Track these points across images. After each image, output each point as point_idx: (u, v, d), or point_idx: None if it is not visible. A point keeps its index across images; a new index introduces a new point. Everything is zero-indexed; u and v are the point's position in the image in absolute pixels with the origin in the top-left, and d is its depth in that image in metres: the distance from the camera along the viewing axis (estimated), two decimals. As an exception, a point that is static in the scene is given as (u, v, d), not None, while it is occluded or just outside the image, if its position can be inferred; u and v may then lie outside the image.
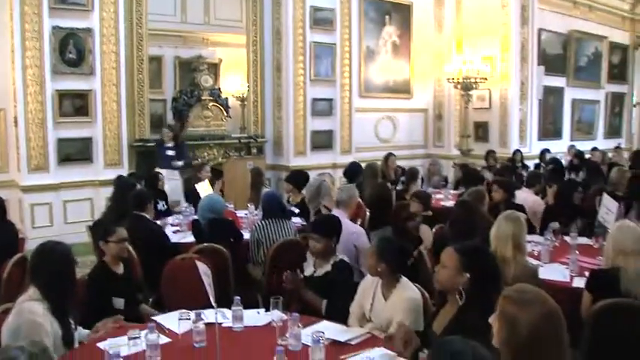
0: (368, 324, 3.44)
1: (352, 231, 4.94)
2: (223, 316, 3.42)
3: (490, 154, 10.79)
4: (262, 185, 7.34)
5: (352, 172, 8.22)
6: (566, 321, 3.81)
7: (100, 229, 4.33)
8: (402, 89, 12.17)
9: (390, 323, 3.31)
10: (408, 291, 3.41)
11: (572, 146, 12.64)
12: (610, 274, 3.66)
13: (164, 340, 3.17)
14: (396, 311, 3.31)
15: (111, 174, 7.61)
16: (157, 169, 8.31)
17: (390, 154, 9.70)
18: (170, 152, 8.59)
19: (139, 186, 6.45)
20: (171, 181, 8.43)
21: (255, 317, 3.52)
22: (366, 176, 7.35)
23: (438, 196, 8.36)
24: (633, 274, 3.55)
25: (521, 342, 2.04)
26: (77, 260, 3.27)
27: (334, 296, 3.74)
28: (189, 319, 3.24)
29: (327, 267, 3.94)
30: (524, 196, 6.56)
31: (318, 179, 6.21)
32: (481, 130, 12.30)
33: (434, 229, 5.52)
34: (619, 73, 15.40)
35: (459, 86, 11.23)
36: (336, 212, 5.11)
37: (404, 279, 3.47)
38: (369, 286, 3.59)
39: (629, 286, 3.54)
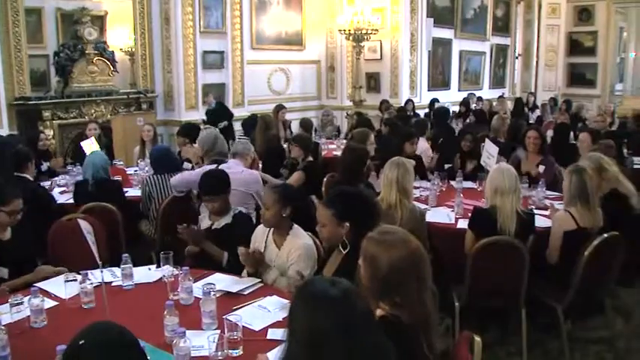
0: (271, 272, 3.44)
1: (255, 180, 4.96)
2: (114, 275, 3.37)
3: (384, 103, 11.05)
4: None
5: (250, 125, 8.17)
6: (451, 258, 4.10)
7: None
8: (295, 41, 12.07)
9: (285, 271, 3.35)
10: (302, 238, 3.44)
11: (472, 94, 13.22)
12: (488, 213, 3.91)
13: (50, 304, 3.05)
14: (291, 258, 3.34)
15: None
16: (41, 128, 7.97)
17: (279, 106, 9.69)
18: None
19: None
20: None
21: (146, 274, 3.46)
22: (259, 129, 7.31)
23: (331, 146, 8.63)
24: (508, 212, 3.83)
25: (382, 280, 2.13)
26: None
27: (236, 248, 3.63)
28: (76, 280, 3.10)
29: (227, 219, 3.89)
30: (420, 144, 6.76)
31: (212, 131, 6.11)
32: (373, 81, 12.44)
33: (325, 178, 5.60)
34: (503, 26, 15.95)
35: (350, 38, 11.29)
36: (232, 162, 5.05)
37: (296, 226, 3.50)
38: (260, 236, 3.60)
39: (504, 223, 3.82)
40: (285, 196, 3.45)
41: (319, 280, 1.79)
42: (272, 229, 3.54)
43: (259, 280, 3.30)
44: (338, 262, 3.00)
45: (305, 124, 8.42)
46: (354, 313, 1.62)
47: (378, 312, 2.13)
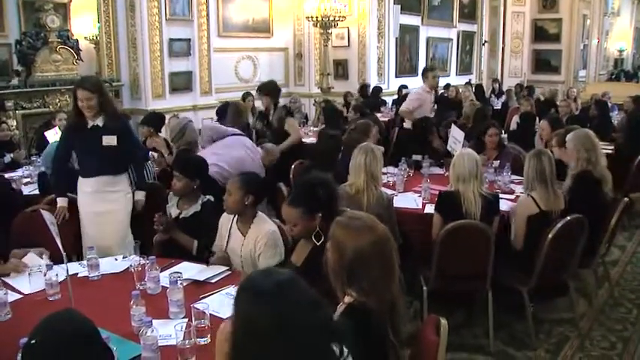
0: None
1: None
2: (81, 265, 3.35)
3: (348, 94, 11.18)
4: None
5: (224, 111, 8.11)
6: (418, 242, 4.12)
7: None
8: (262, 28, 11.92)
9: (252, 258, 3.35)
10: (267, 224, 3.44)
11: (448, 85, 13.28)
12: (453, 196, 3.99)
13: (14, 296, 3.00)
14: (256, 246, 3.34)
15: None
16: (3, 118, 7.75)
17: (247, 94, 9.65)
18: None
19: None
20: None
21: (112, 264, 3.43)
22: (231, 115, 7.25)
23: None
24: (471, 196, 3.91)
25: (347, 265, 2.12)
26: None
27: (204, 236, 3.70)
28: (40, 272, 3.08)
29: (196, 207, 3.89)
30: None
31: (182, 119, 6.02)
32: (341, 68, 12.44)
33: (293, 165, 5.60)
34: (469, 13, 16.05)
35: (318, 25, 11.22)
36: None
37: (260, 213, 3.50)
38: (225, 223, 3.60)
39: (468, 207, 3.91)
40: (248, 184, 3.43)
41: (255, 273, 1.70)
42: (236, 216, 3.52)
43: (227, 268, 3.30)
44: (308, 251, 2.97)
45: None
46: (288, 306, 1.52)
47: (346, 299, 2.13)
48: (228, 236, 3.53)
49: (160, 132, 6.58)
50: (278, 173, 5.52)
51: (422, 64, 14.02)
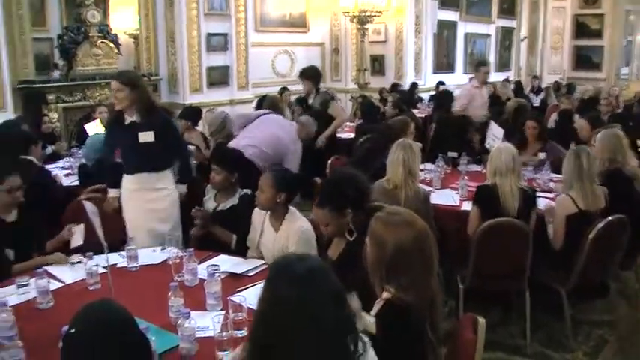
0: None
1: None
2: (121, 256, 3.38)
3: (383, 90, 11.14)
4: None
5: (260, 105, 8.15)
6: (455, 239, 4.08)
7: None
8: (299, 23, 11.95)
9: (282, 252, 3.29)
10: (299, 221, 3.40)
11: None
12: (490, 189, 3.96)
13: (56, 285, 3.06)
14: (288, 242, 3.32)
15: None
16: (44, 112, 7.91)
17: (284, 88, 9.68)
18: None
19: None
20: None
21: (151, 255, 3.47)
22: (266, 107, 7.29)
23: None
24: (508, 190, 3.88)
25: (387, 260, 2.12)
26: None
27: (243, 230, 3.69)
28: (81, 262, 3.16)
29: (234, 200, 3.91)
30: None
31: (220, 112, 6.07)
32: (377, 64, 12.34)
33: (330, 161, 5.60)
34: (508, 9, 15.75)
35: (354, 20, 11.15)
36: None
37: (292, 210, 3.47)
38: (257, 218, 3.59)
39: (506, 201, 3.88)
40: (280, 181, 3.38)
41: (289, 255, 1.78)
42: (268, 212, 3.50)
43: (263, 262, 3.30)
44: (342, 247, 2.94)
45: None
46: (315, 292, 1.58)
47: (384, 295, 2.13)
48: (261, 231, 3.53)
49: (197, 126, 6.61)
50: (315, 167, 5.51)
51: (460, 61, 13.98)
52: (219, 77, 9.68)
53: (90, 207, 3.00)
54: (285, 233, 3.38)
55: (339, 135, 7.66)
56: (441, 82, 12.21)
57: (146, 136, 4.01)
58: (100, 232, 2.92)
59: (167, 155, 4.25)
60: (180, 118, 6.59)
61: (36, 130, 6.12)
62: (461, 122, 6.53)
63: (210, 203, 3.98)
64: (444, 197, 4.71)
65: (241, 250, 3.59)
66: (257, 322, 1.64)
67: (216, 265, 2.95)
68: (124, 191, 4.20)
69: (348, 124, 8.64)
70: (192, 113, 6.67)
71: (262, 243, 3.52)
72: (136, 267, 3.29)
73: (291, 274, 1.60)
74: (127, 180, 4.18)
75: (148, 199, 4.13)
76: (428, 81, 12.54)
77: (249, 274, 3.11)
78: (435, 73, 12.90)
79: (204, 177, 4.56)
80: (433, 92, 11.90)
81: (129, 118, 4.05)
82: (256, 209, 3.58)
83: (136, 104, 4.00)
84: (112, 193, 4.23)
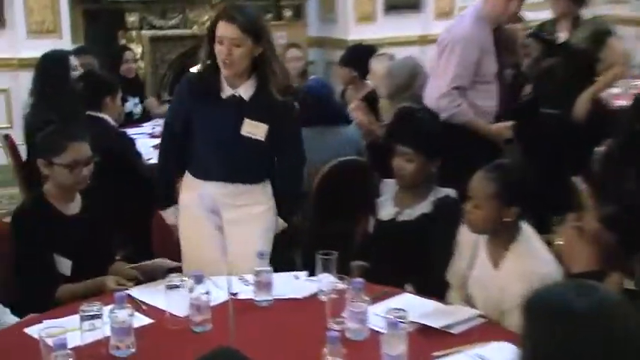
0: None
1: None
2: (244, 283, 2.67)
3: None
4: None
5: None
6: None
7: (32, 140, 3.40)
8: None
9: (502, 300, 2.41)
10: (537, 260, 2.42)
11: None
12: None
13: (142, 320, 2.39)
14: (513, 289, 2.31)
15: (38, 48, 5.14)
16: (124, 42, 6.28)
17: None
18: None
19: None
20: None
21: (292, 284, 2.72)
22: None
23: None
24: None
25: None
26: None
27: (438, 256, 2.76)
28: (181, 286, 2.42)
29: (425, 207, 2.93)
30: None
31: (407, 59, 4.60)
32: None
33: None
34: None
35: None
36: None
37: (526, 233, 2.49)
38: (465, 240, 2.63)
39: None
40: (509, 187, 2.45)
41: (558, 288, 1.50)
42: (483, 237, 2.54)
43: (478, 311, 2.40)
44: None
45: None
46: (613, 334, 1.36)
47: None
48: (472, 264, 2.59)
49: (366, 79, 4.97)
50: (569, 156, 4.24)
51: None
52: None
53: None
54: (512, 274, 2.40)
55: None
56: None
57: (254, 128, 2.87)
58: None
59: (273, 161, 3.10)
60: (342, 65, 5.22)
61: (109, 72, 4.83)
62: None
63: (387, 208, 3.01)
64: None
65: (427, 285, 2.70)
66: None
67: (400, 309, 2.22)
68: (186, 198, 3.02)
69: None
70: (363, 57, 5.00)
71: (475, 277, 2.59)
72: (268, 301, 2.53)
73: (578, 314, 1.40)
74: (195, 185, 2.98)
75: (225, 217, 2.40)
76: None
77: (453, 331, 2.31)
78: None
79: (378, 167, 3.60)
80: None
81: (229, 90, 2.84)
82: (464, 227, 2.62)
83: (258, 70, 2.86)
84: (169, 216, 3.10)
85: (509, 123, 3.78)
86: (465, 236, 2.64)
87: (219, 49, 2.73)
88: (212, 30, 2.76)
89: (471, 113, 3.81)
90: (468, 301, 2.59)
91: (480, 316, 2.38)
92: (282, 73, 2.90)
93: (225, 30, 2.71)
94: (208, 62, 2.82)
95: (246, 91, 2.83)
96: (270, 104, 2.83)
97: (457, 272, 2.69)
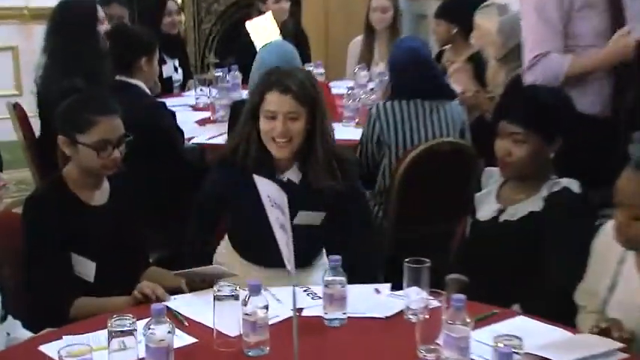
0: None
1: None
2: (312, 296, 2.41)
3: None
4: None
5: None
6: None
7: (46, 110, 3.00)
8: None
9: None
10: None
11: None
12: None
13: (184, 339, 2.13)
14: None
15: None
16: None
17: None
18: None
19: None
20: None
21: (371, 299, 2.39)
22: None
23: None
24: None
25: None
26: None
27: (549, 265, 2.36)
28: (237, 297, 2.11)
29: (536, 202, 2.50)
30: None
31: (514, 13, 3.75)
32: None
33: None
34: None
35: None
36: None
37: None
38: (605, 250, 2.21)
39: None
40: None
41: None
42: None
43: (620, 344, 2.01)
44: None
45: None
46: None
47: None
48: (614, 278, 2.16)
49: (470, 37, 4.37)
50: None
51: None
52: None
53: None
54: None
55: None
56: None
57: (311, 218, 2.60)
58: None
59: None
60: (438, 19, 4.66)
61: (146, 27, 4.35)
62: None
63: (489, 205, 2.57)
64: None
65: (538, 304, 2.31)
66: None
67: (513, 337, 1.85)
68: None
69: None
70: (464, 8, 4.39)
71: (618, 300, 2.17)
72: (341, 320, 2.20)
73: None
74: (237, 262, 2.71)
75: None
76: None
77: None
78: None
79: (484, 152, 3.14)
80: None
81: (282, 171, 2.58)
82: (602, 235, 2.23)
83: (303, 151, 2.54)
84: None
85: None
86: (604, 247, 2.21)
87: (273, 127, 2.44)
88: (257, 104, 2.48)
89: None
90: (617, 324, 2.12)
91: (622, 349, 2.00)
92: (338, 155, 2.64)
93: (278, 103, 2.44)
94: (247, 143, 2.53)
95: (296, 174, 2.57)
96: (322, 188, 2.58)
97: (590, 292, 2.27)
